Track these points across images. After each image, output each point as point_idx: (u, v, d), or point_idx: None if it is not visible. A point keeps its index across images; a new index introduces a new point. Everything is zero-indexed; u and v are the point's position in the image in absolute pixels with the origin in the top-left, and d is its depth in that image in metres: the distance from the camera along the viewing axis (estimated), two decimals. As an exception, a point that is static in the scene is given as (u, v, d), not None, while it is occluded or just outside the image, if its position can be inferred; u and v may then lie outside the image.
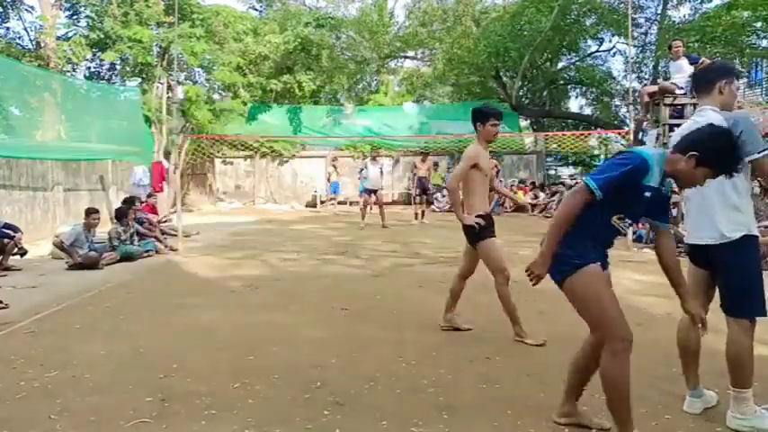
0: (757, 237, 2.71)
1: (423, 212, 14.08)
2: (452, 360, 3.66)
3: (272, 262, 7.72)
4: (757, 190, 8.51)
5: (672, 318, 4.64)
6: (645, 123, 10.34)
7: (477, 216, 4.03)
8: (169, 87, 16.18)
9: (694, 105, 8.94)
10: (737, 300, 2.67)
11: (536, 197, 17.23)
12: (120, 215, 8.36)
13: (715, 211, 2.69)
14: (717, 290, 2.82)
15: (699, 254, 2.83)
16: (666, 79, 11.18)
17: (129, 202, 9.17)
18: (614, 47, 21.67)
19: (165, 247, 8.86)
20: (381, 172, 12.70)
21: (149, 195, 11.25)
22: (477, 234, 4.07)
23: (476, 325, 4.52)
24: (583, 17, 19.02)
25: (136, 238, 8.37)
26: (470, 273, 4.33)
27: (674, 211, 9.25)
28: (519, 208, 14.54)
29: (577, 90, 24.19)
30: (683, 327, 2.92)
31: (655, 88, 9.33)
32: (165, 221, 10.89)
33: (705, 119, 2.72)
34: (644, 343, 3.44)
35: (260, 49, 18.61)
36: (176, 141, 16.04)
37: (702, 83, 2.90)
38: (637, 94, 11.94)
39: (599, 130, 19.19)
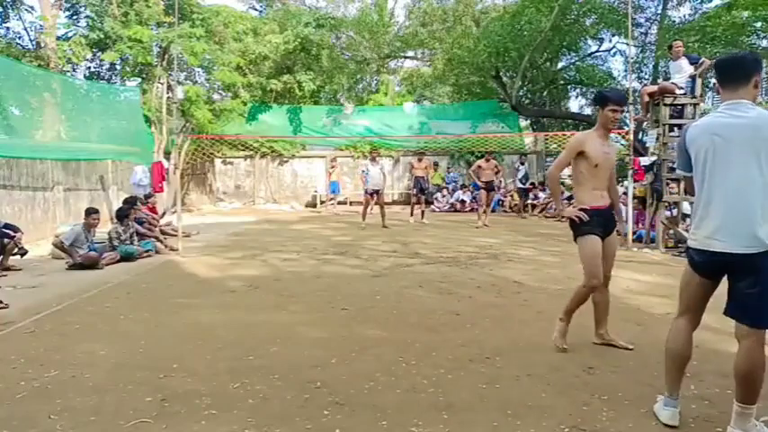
0: None
1: (422, 212, 14.11)
2: (452, 360, 3.66)
3: (271, 262, 7.72)
4: None
5: (672, 318, 4.64)
6: (645, 123, 10.35)
7: (582, 209, 3.64)
8: (169, 87, 16.17)
9: (695, 105, 8.94)
10: (762, 309, 2.48)
11: (536, 197, 17.23)
12: (121, 215, 8.36)
13: (757, 218, 2.45)
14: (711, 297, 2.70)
15: (714, 261, 2.58)
16: (666, 79, 11.19)
17: (131, 202, 9.17)
18: (614, 47, 21.68)
19: (165, 247, 8.87)
20: (383, 172, 12.72)
21: (148, 196, 11.23)
22: (577, 228, 3.69)
23: (477, 325, 4.52)
24: (583, 17, 19.01)
25: (135, 238, 8.38)
26: (605, 279, 3.81)
27: (674, 211, 9.25)
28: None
29: (577, 90, 24.17)
30: (679, 336, 2.75)
31: (655, 88, 9.33)
32: (162, 214, 10.84)
33: (752, 115, 2.50)
34: (644, 343, 3.46)
35: (260, 49, 18.60)
36: (176, 141, 16.04)
37: (739, 74, 2.60)
38: (637, 94, 11.93)
39: (599, 130, 19.17)
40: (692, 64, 9.00)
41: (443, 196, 18.42)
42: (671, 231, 8.85)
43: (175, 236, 9.45)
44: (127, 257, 7.86)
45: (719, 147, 2.56)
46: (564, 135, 15.59)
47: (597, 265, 3.65)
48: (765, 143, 2.46)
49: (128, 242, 8.12)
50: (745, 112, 2.53)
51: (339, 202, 19.21)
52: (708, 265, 2.63)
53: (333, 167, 18.73)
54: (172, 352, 3.85)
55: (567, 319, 3.85)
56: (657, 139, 8.99)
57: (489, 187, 13.04)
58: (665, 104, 8.92)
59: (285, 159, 20.65)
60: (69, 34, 15.25)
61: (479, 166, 13.12)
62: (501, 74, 20.47)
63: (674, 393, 2.73)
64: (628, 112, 11.48)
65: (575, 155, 3.70)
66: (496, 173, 13.36)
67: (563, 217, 3.80)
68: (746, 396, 2.50)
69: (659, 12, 19.75)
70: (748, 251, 2.46)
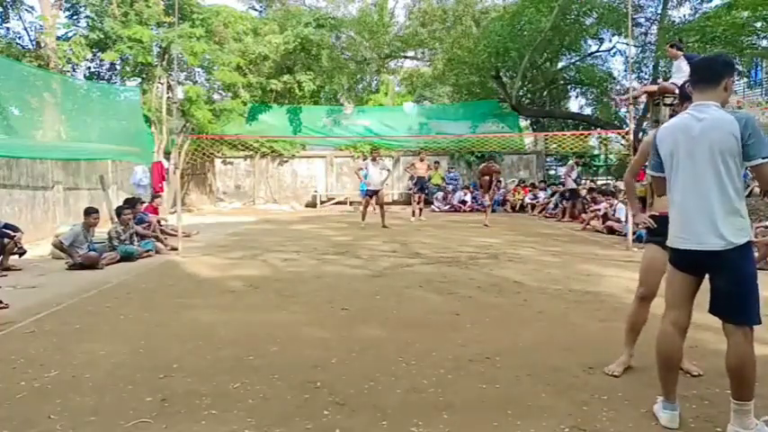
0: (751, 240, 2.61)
1: (420, 210, 14.34)
2: (452, 360, 3.66)
3: (271, 262, 7.72)
4: (757, 190, 8.49)
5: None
6: (645, 123, 10.35)
7: (651, 216, 3.33)
8: (169, 87, 16.18)
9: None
10: (742, 306, 2.53)
11: (535, 197, 17.24)
12: (121, 214, 8.36)
13: (717, 216, 2.52)
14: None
15: (691, 259, 2.63)
16: (667, 79, 11.18)
17: (132, 202, 9.17)
18: (614, 47, 21.68)
19: (165, 246, 8.87)
20: (387, 170, 12.79)
21: (156, 196, 11.24)
22: (647, 235, 3.46)
23: (477, 325, 4.52)
24: (583, 17, 19.01)
25: (135, 238, 8.37)
26: (652, 294, 3.41)
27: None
28: None
29: (577, 90, 24.19)
30: (666, 339, 2.72)
31: (654, 88, 9.32)
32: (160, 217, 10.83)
33: (710, 116, 2.55)
34: (643, 343, 3.45)
35: (260, 49, 18.61)
36: (176, 141, 16.04)
37: (709, 76, 2.64)
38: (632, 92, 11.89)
39: (599, 130, 19.20)
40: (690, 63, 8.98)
41: (443, 195, 18.43)
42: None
43: (175, 236, 9.45)
44: (127, 257, 7.85)
45: (681, 147, 2.64)
46: (564, 135, 15.60)
47: (648, 274, 3.37)
48: (720, 144, 2.51)
49: (127, 242, 8.12)
50: (708, 114, 2.58)
51: (338, 202, 19.15)
52: (683, 262, 2.68)
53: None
54: (172, 352, 3.84)
55: (627, 349, 3.47)
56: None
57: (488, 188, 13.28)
58: (665, 104, 8.90)
59: (285, 159, 20.65)
60: (69, 34, 15.25)
61: (482, 172, 13.53)
62: (501, 74, 20.47)
63: (670, 396, 2.72)
64: (628, 111, 11.48)
65: (646, 157, 3.41)
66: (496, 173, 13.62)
67: (636, 223, 3.55)
68: (740, 392, 2.52)
69: (659, 11, 19.74)
70: (713, 248, 2.53)
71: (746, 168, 2.61)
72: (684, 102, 3.31)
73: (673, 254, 2.73)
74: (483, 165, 13.65)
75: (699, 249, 2.57)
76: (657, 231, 3.24)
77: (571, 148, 15.23)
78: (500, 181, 18.23)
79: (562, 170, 25.10)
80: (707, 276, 2.67)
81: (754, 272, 2.57)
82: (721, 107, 2.62)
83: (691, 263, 2.65)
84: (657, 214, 3.30)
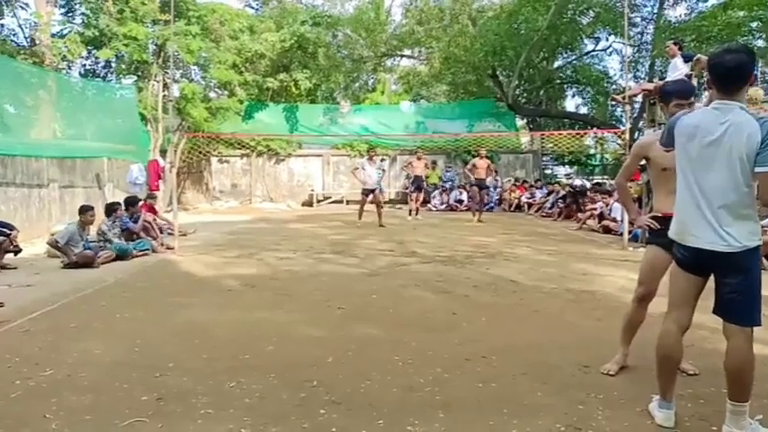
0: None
1: (417, 209, 14.39)
2: (449, 359, 3.66)
3: (268, 261, 7.71)
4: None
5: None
6: (641, 123, 10.37)
7: (653, 217, 3.28)
8: (165, 85, 16.11)
9: (690, 104, 8.93)
10: (747, 308, 2.52)
11: (532, 196, 17.27)
12: (110, 211, 8.33)
13: (732, 218, 2.49)
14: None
15: (700, 258, 2.60)
16: (662, 78, 11.21)
17: (132, 201, 9.13)
18: (611, 46, 21.75)
19: (162, 245, 8.84)
20: (383, 170, 12.77)
21: (149, 196, 11.20)
22: (648, 237, 3.42)
23: (473, 324, 4.53)
24: (579, 16, 19.05)
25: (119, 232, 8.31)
26: (650, 295, 3.39)
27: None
28: None
29: (574, 89, 24.26)
30: (668, 339, 2.71)
31: (651, 86, 9.34)
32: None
33: (734, 119, 2.48)
34: (642, 343, 3.46)
35: (256, 47, 18.57)
36: (172, 139, 15.98)
37: (740, 82, 2.54)
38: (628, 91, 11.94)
39: (595, 129, 19.26)
40: (686, 62, 8.99)
41: (440, 194, 18.46)
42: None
43: (172, 234, 9.42)
44: (122, 255, 7.82)
45: (699, 144, 2.58)
46: (560, 134, 15.65)
47: (648, 275, 3.33)
48: (740, 147, 2.46)
49: (117, 238, 8.07)
50: (731, 116, 2.51)
51: (335, 201, 19.10)
52: (691, 262, 2.65)
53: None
54: (168, 351, 3.83)
55: (623, 348, 3.47)
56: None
57: (482, 185, 13.17)
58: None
59: (282, 158, 20.63)
60: (64, 31, 15.18)
61: (474, 165, 13.25)
62: (497, 73, 20.50)
63: (667, 395, 2.71)
64: (624, 111, 11.50)
65: (639, 161, 3.42)
66: (494, 172, 13.50)
67: (638, 226, 3.63)
68: (738, 394, 2.52)
69: (655, 11, 19.81)
70: (726, 250, 2.50)
71: None
72: (670, 101, 3.28)
73: (679, 252, 2.68)
74: (478, 158, 13.35)
75: (711, 249, 2.53)
76: (659, 232, 3.16)
77: (567, 148, 15.27)
78: (497, 180, 18.27)
79: (559, 170, 25.24)
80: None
81: (760, 274, 2.56)
82: (743, 106, 2.55)
83: (699, 263, 2.62)
84: (660, 215, 3.22)
